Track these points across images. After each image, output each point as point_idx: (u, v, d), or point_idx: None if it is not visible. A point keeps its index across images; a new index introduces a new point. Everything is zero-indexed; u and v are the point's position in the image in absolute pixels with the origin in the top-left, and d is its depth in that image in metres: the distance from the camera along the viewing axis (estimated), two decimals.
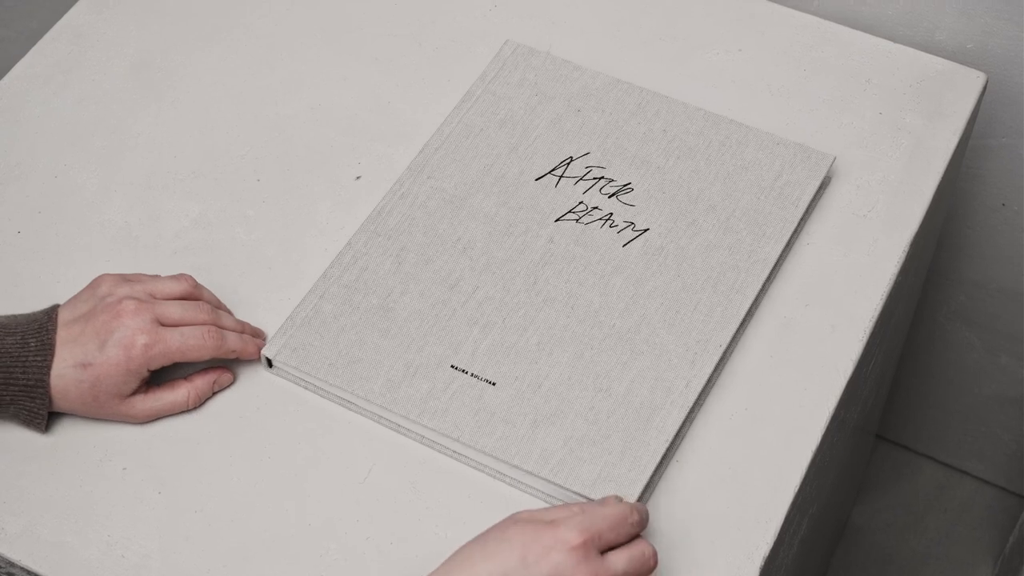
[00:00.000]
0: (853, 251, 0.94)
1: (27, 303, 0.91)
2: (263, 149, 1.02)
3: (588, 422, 0.84)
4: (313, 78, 1.06)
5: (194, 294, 0.89)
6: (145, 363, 0.84)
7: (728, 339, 0.88)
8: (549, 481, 0.82)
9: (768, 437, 0.86)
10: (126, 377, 0.84)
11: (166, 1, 1.12)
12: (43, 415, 0.85)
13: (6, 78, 1.07)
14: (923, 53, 1.06)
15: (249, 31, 1.10)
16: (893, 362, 1.30)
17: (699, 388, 0.86)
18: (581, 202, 0.95)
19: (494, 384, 0.86)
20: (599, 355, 0.87)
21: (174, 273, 0.92)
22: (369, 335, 0.88)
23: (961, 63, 1.07)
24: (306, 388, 0.89)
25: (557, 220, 0.94)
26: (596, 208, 0.94)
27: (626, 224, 0.93)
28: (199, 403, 0.88)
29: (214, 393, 0.88)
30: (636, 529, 0.76)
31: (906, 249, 0.95)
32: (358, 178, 1.00)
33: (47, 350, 0.83)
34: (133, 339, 0.83)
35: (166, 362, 0.85)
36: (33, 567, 0.82)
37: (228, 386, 0.89)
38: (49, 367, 0.83)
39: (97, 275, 0.88)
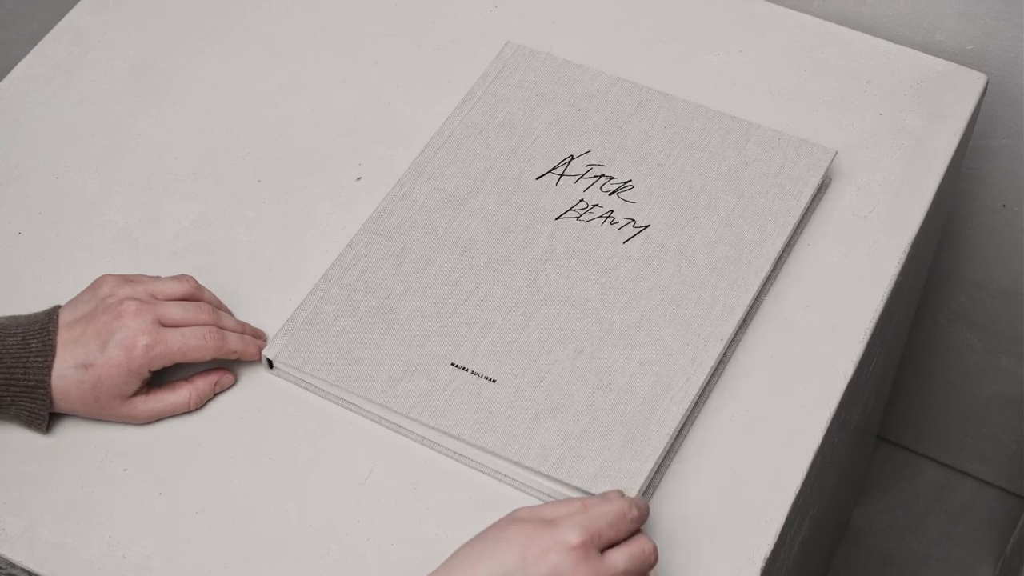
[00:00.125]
0: (854, 252, 0.94)
1: (28, 304, 0.91)
2: (263, 150, 1.02)
3: (588, 417, 0.84)
4: (313, 79, 1.06)
5: (195, 295, 0.89)
6: (146, 364, 0.84)
7: (730, 332, 0.88)
8: (549, 477, 0.82)
9: (769, 438, 0.86)
10: (127, 378, 0.84)
11: (166, 2, 1.12)
12: (44, 416, 0.85)
13: (7, 79, 1.07)
14: (923, 54, 1.06)
15: (249, 32, 1.10)
16: (894, 363, 1.30)
17: (700, 382, 0.85)
18: (582, 200, 0.95)
19: (494, 381, 0.86)
20: (600, 351, 0.87)
21: (175, 274, 0.92)
22: (370, 335, 0.88)
23: (961, 64, 1.07)
24: (307, 389, 0.89)
25: (558, 218, 0.94)
26: (597, 206, 0.94)
27: (627, 221, 0.93)
28: (200, 404, 0.88)
29: (215, 394, 0.88)
30: (636, 525, 0.76)
31: (907, 250, 0.95)
32: (358, 179, 1.00)
33: (48, 351, 0.83)
34: (134, 340, 0.83)
35: (167, 363, 0.85)
36: (34, 568, 0.82)
37: (229, 387, 0.89)
38: (50, 368, 0.83)
39: (98, 276, 0.88)
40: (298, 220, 0.98)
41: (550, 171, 0.97)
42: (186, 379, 0.87)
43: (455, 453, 0.85)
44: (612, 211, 0.94)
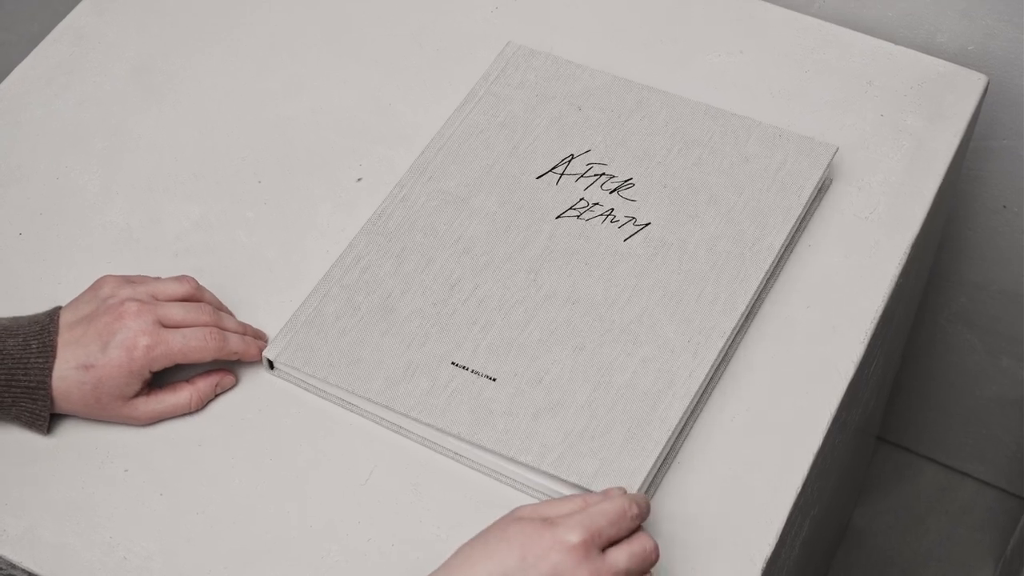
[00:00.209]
0: (854, 253, 0.94)
1: (28, 305, 0.91)
2: (264, 151, 1.02)
3: (589, 415, 0.84)
4: (314, 80, 1.06)
5: (196, 296, 0.89)
6: (147, 364, 0.84)
7: (731, 328, 0.87)
8: (549, 475, 0.82)
9: (769, 439, 0.86)
10: (128, 379, 0.84)
11: (167, 3, 1.12)
12: (45, 417, 0.85)
13: (7, 80, 1.07)
14: (924, 55, 1.06)
15: (249, 33, 1.10)
16: (894, 364, 1.30)
17: (702, 378, 0.85)
18: (582, 199, 0.95)
19: (495, 380, 0.86)
20: (600, 348, 0.87)
21: (176, 275, 0.92)
22: (370, 335, 0.88)
23: (962, 65, 1.07)
24: (307, 390, 0.89)
25: (558, 217, 0.94)
26: (597, 204, 0.94)
27: (627, 219, 0.93)
28: (201, 405, 0.88)
29: (216, 395, 0.88)
30: (636, 522, 0.76)
31: (907, 251, 0.95)
32: (359, 180, 1.00)
33: (49, 352, 0.83)
34: (135, 340, 0.83)
35: (168, 363, 0.85)
36: (35, 569, 0.82)
37: (230, 388, 0.89)
38: (51, 369, 0.83)
39: (99, 277, 0.88)
40: (298, 221, 0.98)
41: (551, 170, 0.97)
42: (187, 380, 0.87)
43: (455, 454, 0.85)
44: (613, 209, 0.94)
